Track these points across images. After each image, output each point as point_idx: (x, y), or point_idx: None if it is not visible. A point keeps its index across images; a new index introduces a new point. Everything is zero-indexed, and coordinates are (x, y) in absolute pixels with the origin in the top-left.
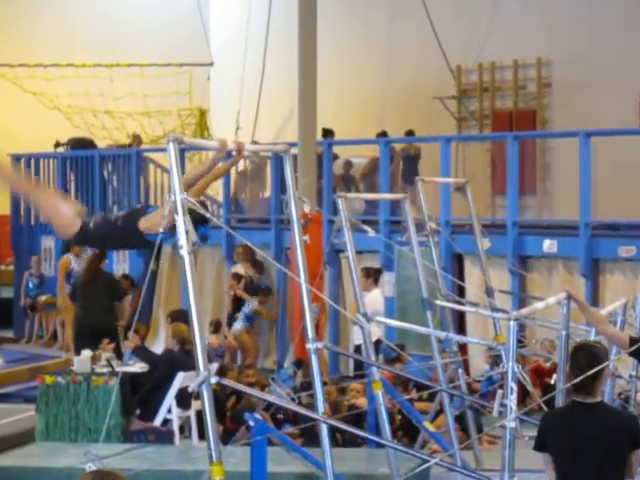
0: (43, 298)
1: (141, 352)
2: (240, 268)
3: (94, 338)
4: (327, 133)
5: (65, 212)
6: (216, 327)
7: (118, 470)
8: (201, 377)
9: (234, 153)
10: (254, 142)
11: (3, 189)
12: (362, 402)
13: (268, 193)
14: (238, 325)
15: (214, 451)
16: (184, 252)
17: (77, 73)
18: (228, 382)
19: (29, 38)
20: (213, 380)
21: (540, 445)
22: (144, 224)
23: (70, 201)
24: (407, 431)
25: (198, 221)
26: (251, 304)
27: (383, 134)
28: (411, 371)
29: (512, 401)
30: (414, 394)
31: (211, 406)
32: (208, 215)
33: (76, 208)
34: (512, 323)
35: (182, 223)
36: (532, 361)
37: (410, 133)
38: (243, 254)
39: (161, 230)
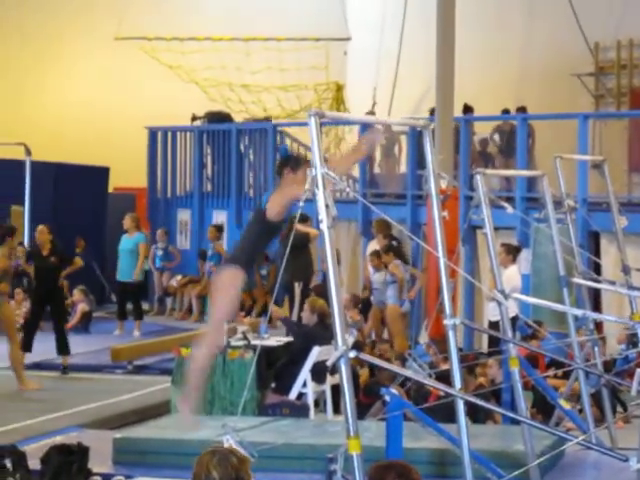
0: (179, 278)
1: (288, 322)
2: (376, 244)
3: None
4: (467, 109)
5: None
6: (355, 302)
7: (251, 443)
8: (339, 351)
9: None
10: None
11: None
12: (485, 381)
13: (402, 168)
14: (390, 301)
15: (352, 425)
16: (324, 227)
17: (214, 47)
18: (366, 356)
19: (166, 11)
20: (351, 354)
21: None
22: (269, 212)
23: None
24: (540, 408)
25: None
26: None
27: (522, 110)
28: (547, 348)
29: None
30: (550, 371)
31: (349, 380)
32: (348, 189)
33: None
34: None
35: (322, 197)
36: None
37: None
38: (380, 229)
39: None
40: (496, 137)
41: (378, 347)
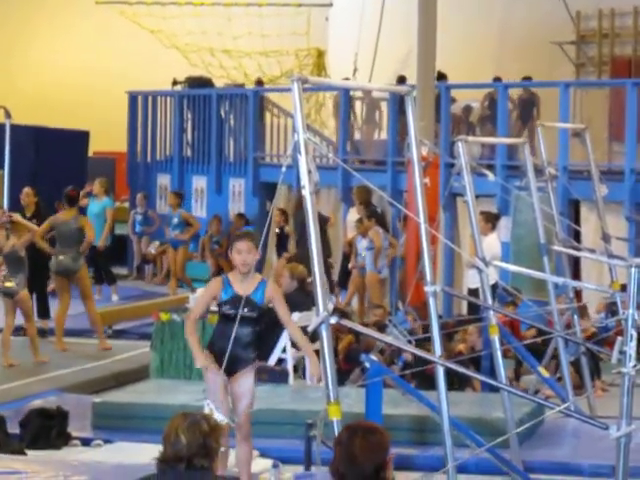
0: (157, 245)
1: None
2: (355, 213)
3: None
4: (441, 77)
5: None
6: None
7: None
8: (320, 317)
9: None
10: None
11: None
12: (464, 348)
13: (383, 135)
14: (368, 267)
15: (332, 391)
16: (306, 192)
17: (195, 12)
18: (347, 322)
19: None
20: (332, 320)
21: None
22: None
23: None
24: (517, 376)
25: None
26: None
27: (497, 80)
28: (526, 316)
29: (632, 348)
30: (529, 339)
31: (330, 346)
32: (330, 155)
33: None
34: (633, 270)
35: (305, 163)
36: None
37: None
38: (360, 196)
39: None
40: (486, 104)
41: (373, 312)
